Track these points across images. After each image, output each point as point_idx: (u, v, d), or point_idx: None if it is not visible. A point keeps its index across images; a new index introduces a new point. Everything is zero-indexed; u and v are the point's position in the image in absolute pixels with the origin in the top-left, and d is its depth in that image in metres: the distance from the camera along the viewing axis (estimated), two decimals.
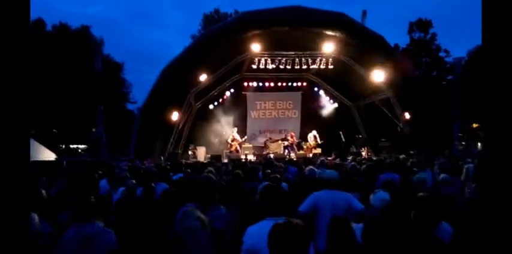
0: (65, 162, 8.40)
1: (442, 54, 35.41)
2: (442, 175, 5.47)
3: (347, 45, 15.88)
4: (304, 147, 19.25)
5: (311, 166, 6.24)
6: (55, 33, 30.62)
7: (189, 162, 12.71)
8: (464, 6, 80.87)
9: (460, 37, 50.64)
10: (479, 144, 30.11)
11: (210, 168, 6.02)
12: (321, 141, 18.20)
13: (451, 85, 18.10)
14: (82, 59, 26.38)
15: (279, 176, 4.85)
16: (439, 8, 71.72)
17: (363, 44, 15.47)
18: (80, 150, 31.94)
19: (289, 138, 18.36)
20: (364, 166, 6.65)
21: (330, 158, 14.05)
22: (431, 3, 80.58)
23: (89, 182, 5.75)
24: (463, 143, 16.71)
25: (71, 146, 32.40)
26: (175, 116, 16.06)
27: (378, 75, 16.08)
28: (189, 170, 7.28)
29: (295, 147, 18.27)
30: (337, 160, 10.40)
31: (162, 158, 14.86)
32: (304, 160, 9.89)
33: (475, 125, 32.80)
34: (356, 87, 18.58)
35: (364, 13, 19.31)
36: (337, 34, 15.18)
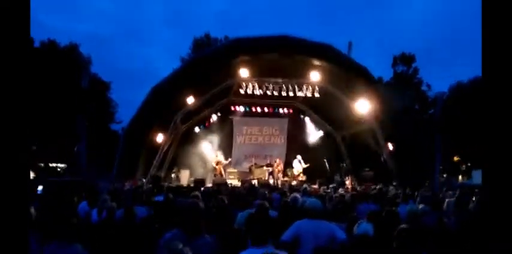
0: (40, 187, 8.07)
1: (424, 88, 36.62)
2: (421, 206, 5.55)
3: (333, 75, 16.32)
4: (289, 173, 19.21)
5: (295, 194, 6.21)
6: (43, 50, 30.52)
7: (172, 185, 12.49)
8: (447, 42, 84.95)
9: (442, 72, 52.70)
10: (460, 176, 30.61)
11: (196, 193, 5.92)
12: (306, 164, 18.19)
13: (433, 119, 18.61)
14: (69, 76, 26.23)
15: (267, 204, 4.79)
16: (423, 44, 75.04)
17: (348, 74, 15.92)
18: (59, 169, 31.02)
19: (274, 164, 18.33)
20: (348, 195, 6.66)
21: (314, 186, 14.03)
22: (415, 38, 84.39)
23: (66, 202, 5.57)
24: (444, 175, 16.96)
25: (50, 165, 31.46)
26: (160, 138, 15.93)
27: (362, 106, 16.47)
28: (170, 194, 7.14)
29: (279, 175, 18.18)
30: (322, 189, 10.37)
31: (144, 180, 14.56)
32: (289, 188, 9.83)
33: (456, 158, 33.50)
34: (341, 116, 18.92)
35: (350, 45, 20.04)
36: (324, 64, 15.63)
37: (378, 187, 10.77)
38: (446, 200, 5.68)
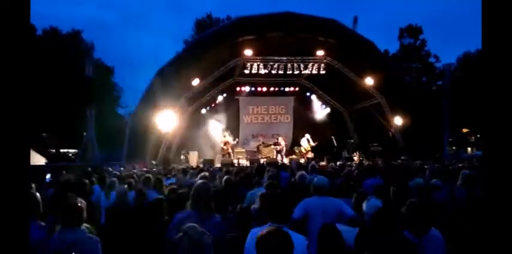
0: (48, 175, 8.20)
1: (431, 59, 35.90)
2: (433, 180, 5.53)
3: (338, 51, 16.04)
4: (297, 151, 19.27)
5: (302, 172, 6.25)
6: (45, 38, 30.35)
7: (181, 166, 12.64)
8: (454, 13, 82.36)
9: (449, 43, 51.44)
10: (468, 148, 30.49)
11: (204, 173, 5.98)
12: (314, 143, 18.20)
13: (441, 91, 18.34)
14: (73, 63, 26.20)
15: (275, 182, 4.83)
16: (429, 15, 72.79)
17: (354, 49, 15.64)
18: (70, 155, 31.56)
19: (280, 142, 18.38)
20: (356, 171, 6.69)
21: (322, 163, 14.10)
22: (421, 9, 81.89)
23: (77, 187, 5.66)
24: (453, 148, 16.91)
25: (61, 150, 32.00)
26: (167, 120, 15.99)
27: (369, 81, 16.26)
28: (181, 175, 7.26)
29: (283, 152, 18.24)
30: (330, 166, 10.42)
31: (154, 162, 14.76)
32: (297, 165, 9.89)
33: (464, 130, 33.25)
34: (348, 92, 18.75)
35: (355, 19, 19.58)
36: (329, 40, 15.33)
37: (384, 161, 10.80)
38: (462, 172, 5.64)
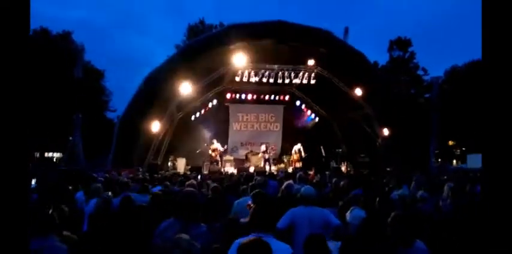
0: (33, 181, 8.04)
1: (420, 72, 36.57)
2: (419, 192, 5.59)
3: (329, 61, 16.23)
4: (285, 160, 19.28)
5: (290, 181, 6.24)
6: (35, 38, 30.01)
7: (168, 173, 12.51)
8: (443, 27, 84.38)
9: (437, 56, 52.54)
10: (454, 161, 30.94)
11: (192, 181, 5.91)
12: (305, 154, 18.22)
13: (429, 103, 18.65)
14: (62, 65, 25.91)
15: (261, 191, 4.81)
16: (418, 28, 74.41)
17: (345, 60, 15.84)
18: (55, 159, 31.01)
19: (269, 151, 18.37)
20: (343, 182, 6.71)
21: (310, 172, 14.11)
22: (411, 22, 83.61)
23: (61, 192, 5.54)
24: (439, 160, 17.14)
25: (46, 154, 31.41)
26: (155, 126, 15.88)
27: (358, 91, 16.46)
28: (168, 183, 7.16)
29: (271, 161, 18.23)
30: (318, 176, 10.43)
31: (141, 169, 14.57)
32: (285, 175, 9.88)
33: (450, 142, 33.79)
34: (337, 102, 18.92)
35: (346, 30, 19.87)
36: (320, 50, 15.51)
37: (372, 172, 10.87)
38: (446, 184, 5.71)
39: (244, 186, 5.86)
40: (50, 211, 2.79)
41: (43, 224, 2.73)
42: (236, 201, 4.95)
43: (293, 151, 18.56)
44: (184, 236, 2.20)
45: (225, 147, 18.57)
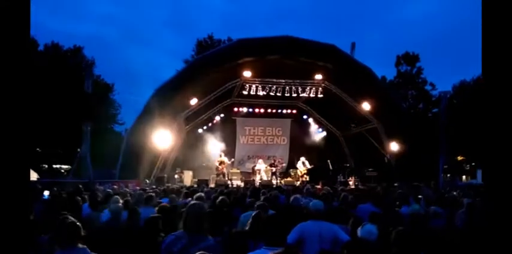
0: (46, 192, 8.11)
1: (428, 87, 36.47)
2: (431, 208, 5.49)
3: (336, 76, 16.29)
4: (292, 174, 19.17)
5: (297, 195, 6.20)
6: (47, 53, 30.69)
7: (175, 186, 12.49)
8: (450, 41, 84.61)
9: (445, 71, 52.53)
10: (463, 176, 30.46)
11: (201, 194, 5.89)
12: (310, 165, 18.08)
13: (437, 118, 18.55)
14: (73, 78, 26.38)
15: (266, 204, 4.78)
16: (426, 43, 74.77)
17: (352, 74, 15.90)
18: (62, 171, 31.20)
19: (276, 164, 18.31)
20: (351, 196, 6.64)
21: (318, 186, 13.99)
22: (418, 37, 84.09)
23: (69, 204, 5.56)
24: (448, 175, 16.89)
25: (54, 166, 31.64)
26: (163, 139, 15.96)
27: (366, 106, 16.46)
28: (174, 195, 7.14)
29: (278, 174, 18.14)
30: (325, 190, 10.33)
31: (148, 181, 14.58)
32: (293, 189, 9.81)
33: (459, 158, 33.33)
34: (344, 117, 18.90)
35: (353, 45, 20.03)
36: (327, 64, 15.60)
37: (379, 187, 10.74)
38: (465, 199, 5.63)
39: (252, 199, 5.84)
40: (77, 222, 2.81)
41: (72, 236, 2.73)
42: (242, 215, 4.92)
43: (298, 165, 18.43)
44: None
45: (232, 160, 18.55)
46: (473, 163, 33.66)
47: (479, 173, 19.34)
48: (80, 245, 2.76)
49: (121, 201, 5.42)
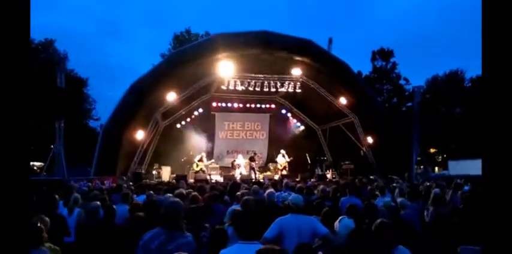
0: None
1: (402, 82, 37.37)
2: (399, 199, 5.69)
3: (314, 70, 16.45)
4: (272, 168, 19.30)
5: (271, 189, 6.25)
6: None
7: (153, 182, 12.35)
8: (424, 37, 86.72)
9: (418, 66, 53.85)
10: (436, 168, 31.52)
11: (181, 190, 5.83)
12: (289, 158, 18.20)
13: (410, 112, 19.07)
14: (45, 73, 25.48)
15: (252, 198, 4.80)
16: (400, 39, 76.41)
17: (329, 69, 16.09)
18: (35, 167, 30.24)
19: (256, 158, 18.37)
20: (329, 189, 6.76)
21: (297, 179, 14.17)
22: (393, 34, 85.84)
23: (47, 202, 5.41)
24: (421, 167, 17.44)
25: None
26: (140, 134, 15.71)
27: (342, 100, 16.73)
28: (151, 192, 7.04)
29: (256, 168, 18.22)
30: (303, 183, 10.48)
31: (124, 178, 14.36)
32: (273, 183, 9.87)
33: (432, 150, 34.47)
34: (322, 111, 19.15)
35: (330, 40, 20.27)
36: (305, 59, 15.72)
37: (357, 179, 10.97)
38: (433, 191, 5.82)
39: (239, 193, 5.86)
40: (39, 224, 2.73)
41: (33, 235, 2.67)
42: (230, 208, 4.96)
43: (278, 159, 18.53)
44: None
45: (212, 160, 18.48)
46: (444, 155, 34.90)
47: (450, 164, 20.04)
48: (45, 246, 2.71)
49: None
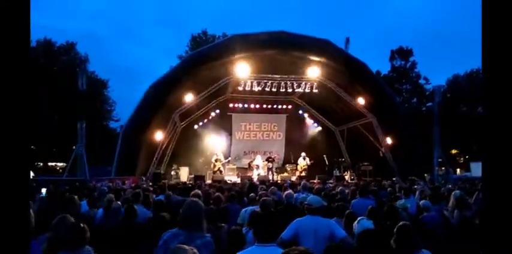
0: (44, 190, 8.08)
1: (421, 81, 36.64)
2: (421, 202, 5.57)
3: (331, 71, 16.30)
4: (288, 169, 19.23)
5: (289, 191, 6.23)
6: (39, 49, 30.36)
7: (171, 182, 12.49)
8: (444, 36, 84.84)
9: (439, 65, 52.70)
10: (458, 169, 30.76)
11: (196, 191, 5.90)
12: (310, 161, 18.05)
13: (431, 112, 18.67)
14: (66, 75, 26.18)
15: (270, 198, 4.80)
16: (419, 37, 74.87)
17: (346, 69, 15.92)
18: (58, 168, 31.08)
19: (273, 159, 18.36)
20: (347, 191, 6.69)
21: (314, 181, 14.08)
22: (411, 32, 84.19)
23: (69, 203, 5.55)
24: (443, 168, 17.05)
25: (49, 164, 31.50)
26: (159, 135, 15.94)
27: (361, 100, 16.52)
28: (171, 192, 7.14)
29: (274, 169, 18.19)
30: (321, 184, 10.40)
31: (144, 178, 14.59)
32: (291, 184, 9.84)
33: (453, 151, 33.64)
34: (339, 111, 18.96)
35: (348, 40, 20.07)
36: (322, 59, 15.61)
37: (375, 181, 10.82)
38: (453, 193, 5.67)
39: (252, 194, 5.87)
40: (82, 224, 2.79)
41: (79, 237, 2.73)
42: (244, 209, 4.97)
43: (299, 161, 18.35)
44: (181, 246, 2.20)
45: (228, 158, 18.54)
46: (466, 156, 34.02)
47: (472, 166, 19.55)
48: (87, 247, 2.76)
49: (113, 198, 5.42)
